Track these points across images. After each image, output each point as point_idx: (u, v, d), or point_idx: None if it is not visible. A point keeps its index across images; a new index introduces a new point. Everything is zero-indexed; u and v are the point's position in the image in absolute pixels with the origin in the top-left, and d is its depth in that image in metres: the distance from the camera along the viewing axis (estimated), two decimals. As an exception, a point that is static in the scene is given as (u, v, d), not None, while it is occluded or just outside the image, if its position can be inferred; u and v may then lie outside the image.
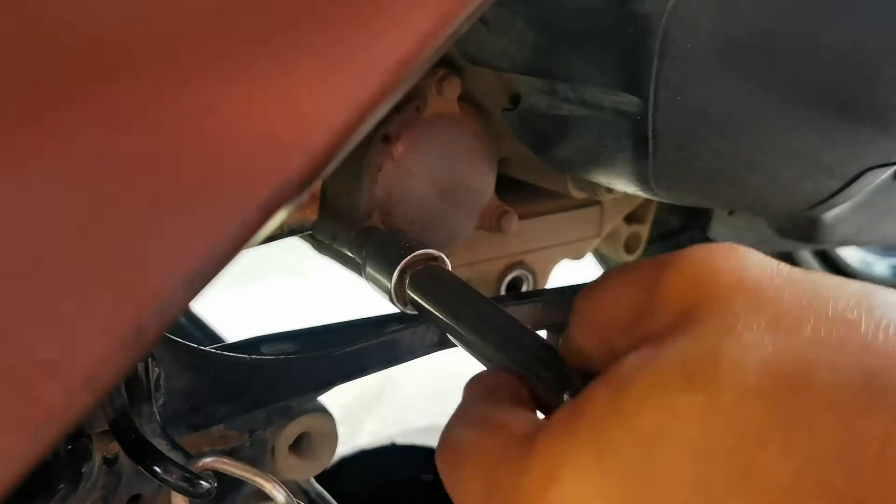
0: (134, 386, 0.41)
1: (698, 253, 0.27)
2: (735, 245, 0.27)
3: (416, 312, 0.46)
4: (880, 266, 1.39)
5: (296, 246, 0.69)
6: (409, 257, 0.46)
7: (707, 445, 0.23)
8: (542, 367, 0.34)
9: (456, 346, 0.44)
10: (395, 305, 0.47)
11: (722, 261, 0.27)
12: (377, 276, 0.48)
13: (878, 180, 0.54)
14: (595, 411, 0.25)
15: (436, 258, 0.47)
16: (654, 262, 0.29)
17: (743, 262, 0.27)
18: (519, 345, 0.36)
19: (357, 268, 0.70)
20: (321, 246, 0.67)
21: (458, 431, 0.31)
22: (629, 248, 0.82)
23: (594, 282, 0.31)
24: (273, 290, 2.07)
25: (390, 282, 0.46)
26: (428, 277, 0.45)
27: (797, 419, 0.22)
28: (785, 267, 0.27)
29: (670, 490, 0.23)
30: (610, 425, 0.24)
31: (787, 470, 0.22)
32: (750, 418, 0.23)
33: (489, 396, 0.32)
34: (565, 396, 0.31)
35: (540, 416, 0.32)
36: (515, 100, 0.55)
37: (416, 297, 0.45)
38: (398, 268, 0.46)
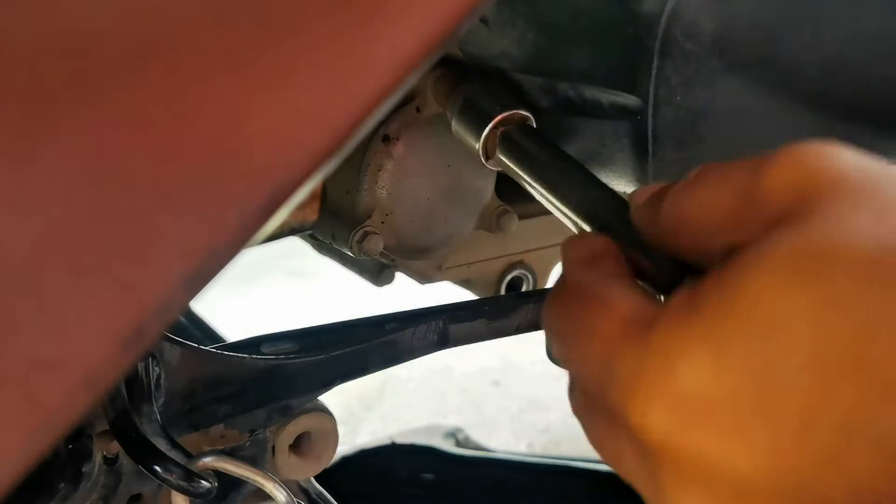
0: (134, 386, 0.41)
1: (796, 151, 0.27)
2: (830, 142, 0.27)
3: (500, 169, 0.45)
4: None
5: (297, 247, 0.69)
6: (502, 115, 0.46)
7: (819, 341, 0.23)
8: (639, 241, 0.33)
9: (454, 345, 0.44)
10: (482, 161, 0.47)
11: (821, 157, 0.27)
12: (465, 129, 0.48)
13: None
14: (711, 307, 0.25)
15: (525, 116, 0.47)
16: (750, 163, 0.28)
17: (841, 157, 0.27)
18: (618, 214, 0.35)
19: (357, 268, 0.70)
20: (321, 246, 0.67)
21: (565, 303, 0.31)
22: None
23: (683, 184, 0.31)
24: (275, 289, 2.07)
25: (479, 137, 0.46)
26: (519, 136, 0.45)
27: None
28: (881, 162, 0.27)
29: (784, 383, 0.24)
30: (727, 322, 0.25)
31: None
32: (862, 312, 0.23)
33: (592, 265, 0.32)
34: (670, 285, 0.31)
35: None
36: (515, 99, 0.55)
37: (506, 156, 0.44)
38: (490, 124, 0.46)
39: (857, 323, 0.23)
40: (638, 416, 0.26)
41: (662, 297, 0.32)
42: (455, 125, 0.50)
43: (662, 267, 0.32)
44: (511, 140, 0.45)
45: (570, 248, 0.34)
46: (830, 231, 0.25)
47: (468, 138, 0.48)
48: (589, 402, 0.30)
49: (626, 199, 0.34)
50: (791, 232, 0.25)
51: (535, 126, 0.47)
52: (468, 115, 0.48)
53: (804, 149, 0.27)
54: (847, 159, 0.27)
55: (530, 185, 0.42)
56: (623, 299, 0.29)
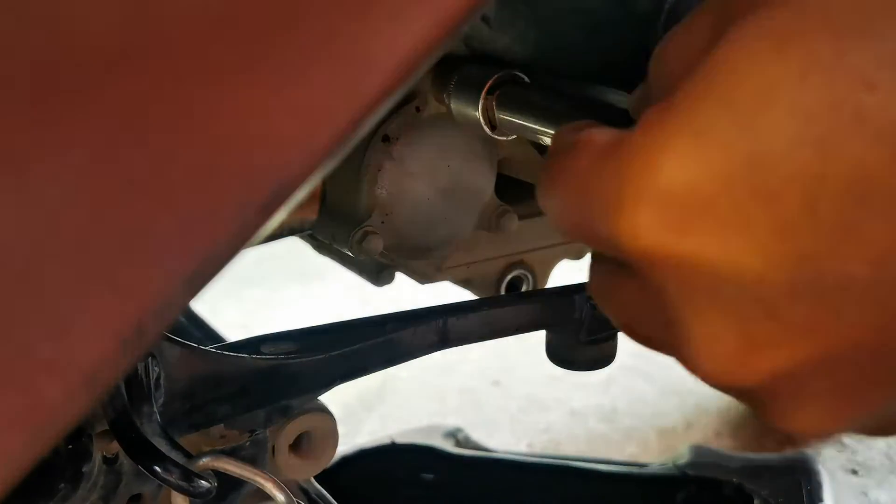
0: (134, 386, 0.41)
1: None
2: None
3: (509, 136, 0.46)
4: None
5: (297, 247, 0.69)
6: (493, 78, 0.46)
7: (811, 103, 0.21)
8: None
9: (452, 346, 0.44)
10: (489, 132, 0.47)
11: None
12: (462, 106, 0.48)
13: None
14: (686, 100, 0.23)
15: (517, 75, 0.47)
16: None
17: None
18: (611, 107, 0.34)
19: (357, 268, 0.70)
20: (321, 246, 0.67)
21: (550, 158, 0.29)
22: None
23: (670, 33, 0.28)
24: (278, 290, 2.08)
25: (477, 108, 0.47)
26: (516, 92, 0.45)
27: None
28: None
29: (778, 156, 0.22)
30: (705, 107, 0.23)
31: None
32: (852, 64, 0.21)
33: (574, 132, 0.30)
34: None
35: None
36: (515, 99, 0.55)
37: (508, 115, 0.45)
38: (484, 89, 0.46)
39: (848, 73, 0.21)
40: (627, 229, 0.24)
41: None
42: (454, 106, 0.49)
43: None
44: (508, 98, 0.45)
45: (556, 132, 0.32)
46: None
47: (469, 113, 0.48)
48: (595, 257, 0.29)
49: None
50: (766, 8, 0.23)
51: (527, 80, 0.47)
52: (463, 91, 0.48)
53: None
54: None
55: (539, 132, 0.41)
56: (598, 133, 0.27)
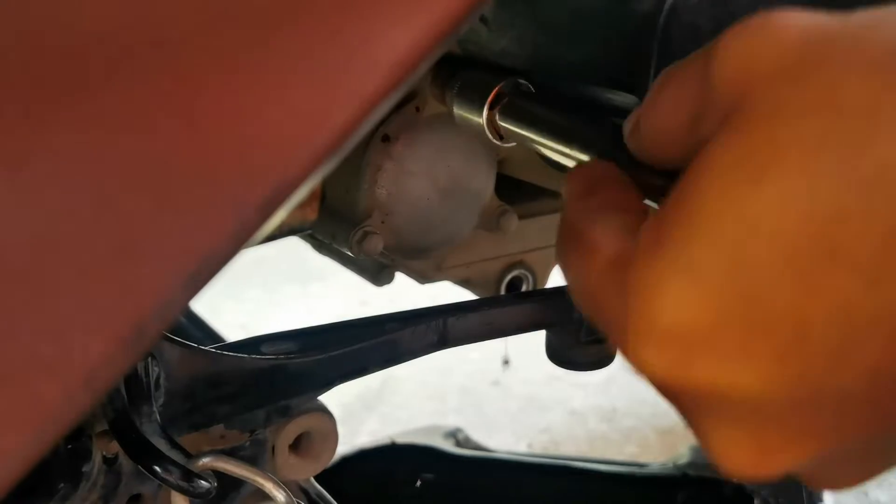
0: (134, 386, 0.41)
1: (742, 29, 0.26)
2: (783, 10, 0.25)
3: (513, 143, 0.46)
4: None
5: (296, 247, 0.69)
6: (498, 86, 0.46)
7: (791, 238, 0.22)
8: (635, 161, 0.32)
9: (454, 346, 0.44)
10: (495, 141, 0.47)
11: (766, 31, 0.25)
12: (466, 113, 0.48)
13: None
14: (674, 232, 0.24)
15: (522, 83, 0.47)
16: (702, 51, 0.27)
17: (787, 28, 0.25)
18: (616, 142, 0.34)
19: (357, 267, 0.70)
20: (321, 246, 0.67)
21: (563, 238, 0.31)
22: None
23: (649, 94, 0.30)
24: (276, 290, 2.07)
25: (482, 116, 0.46)
26: (521, 102, 0.45)
27: (871, 183, 0.21)
28: (836, 21, 0.24)
29: (766, 291, 0.23)
30: (692, 245, 0.24)
31: (873, 240, 0.21)
32: (825, 195, 0.22)
33: (587, 195, 0.31)
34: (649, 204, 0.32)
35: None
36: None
37: (513, 125, 0.45)
38: (488, 99, 0.46)
39: (819, 211, 0.22)
40: (637, 361, 0.25)
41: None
42: (457, 112, 0.49)
43: (656, 181, 0.31)
44: (513, 108, 0.45)
45: (569, 178, 0.33)
46: (773, 123, 0.23)
47: (472, 120, 0.48)
48: None
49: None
50: (737, 132, 0.24)
51: (532, 89, 0.47)
52: (466, 98, 0.48)
53: (750, 25, 0.25)
54: (792, 30, 0.24)
55: (543, 145, 0.42)
56: (607, 239, 0.28)
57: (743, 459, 0.25)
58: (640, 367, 0.25)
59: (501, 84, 0.46)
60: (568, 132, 0.39)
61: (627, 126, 0.32)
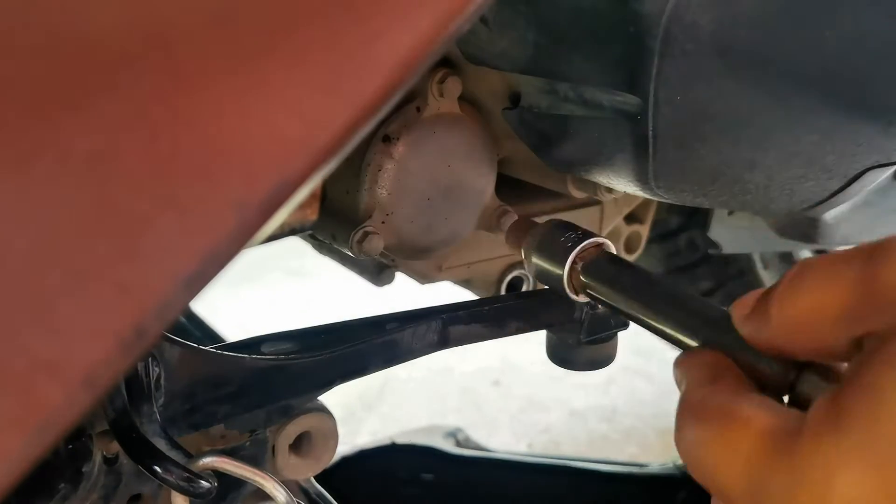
0: (134, 386, 0.41)
1: None
2: None
3: (591, 300, 0.46)
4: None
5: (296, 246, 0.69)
6: (580, 246, 0.46)
7: None
8: (749, 348, 0.33)
9: (456, 345, 0.44)
10: (568, 295, 0.47)
11: None
12: (546, 267, 0.48)
13: (878, 180, 0.54)
14: (858, 414, 0.26)
15: (601, 244, 0.47)
16: (859, 253, 0.29)
17: None
18: (722, 326, 0.35)
19: (357, 268, 0.70)
20: (321, 246, 0.67)
21: (699, 426, 0.31)
22: (629, 248, 0.82)
23: (786, 285, 0.31)
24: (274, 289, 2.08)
25: (563, 271, 0.46)
26: (602, 264, 0.45)
27: None
28: None
29: None
30: (877, 429, 0.25)
31: None
32: None
33: (714, 381, 0.32)
34: (799, 386, 0.32)
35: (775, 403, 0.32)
36: (515, 99, 0.55)
37: (592, 285, 0.45)
38: (570, 257, 0.46)
39: None
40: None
41: (787, 400, 0.33)
42: (536, 262, 0.49)
43: (777, 370, 0.33)
44: (595, 267, 0.46)
45: (688, 366, 0.34)
46: None
47: (552, 273, 0.48)
48: None
49: (727, 310, 0.35)
50: None
51: (613, 251, 0.47)
52: (547, 252, 0.48)
53: None
54: None
55: (622, 309, 0.42)
56: (759, 413, 0.29)
57: None
58: None
59: (586, 243, 0.46)
60: (665, 310, 0.39)
61: (741, 312, 0.33)
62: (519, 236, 0.52)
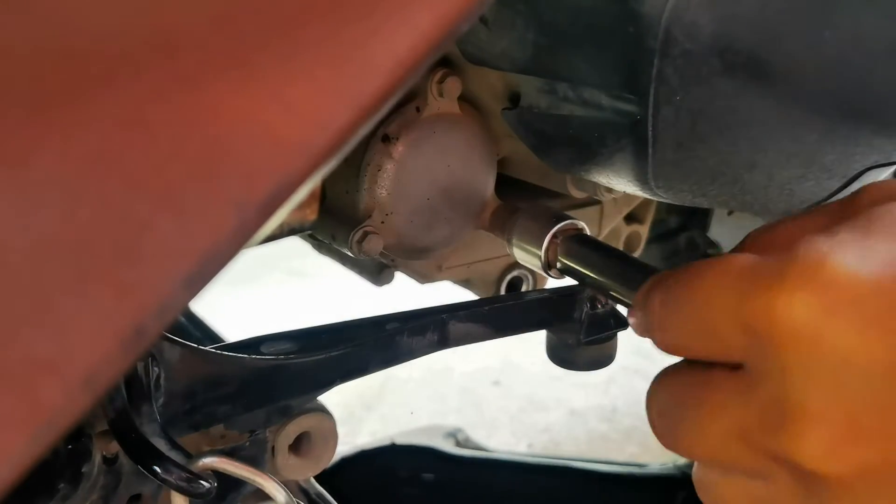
0: (134, 386, 0.41)
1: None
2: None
3: (565, 276, 0.52)
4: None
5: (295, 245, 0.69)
6: (557, 226, 0.53)
7: None
8: None
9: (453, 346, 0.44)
10: (545, 273, 0.54)
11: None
12: (525, 245, 0.55)
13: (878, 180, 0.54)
14: (857, 221, 0.29)
15: (582, 227, 0.53)
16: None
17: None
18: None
19: (357, 268, 0.70)
20: (321, 246, 0.67)
21: (680, 281, 0.34)
22: (629, 248, 0.82)
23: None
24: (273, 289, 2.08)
25: (540, 249, 0.53)
26: (579, 243, 0.52)
27: None
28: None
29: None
30: (871, 227, 0.28)
31: None
32: None
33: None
34: None
35: None
36: (515, 99, 0.55)
37: (569, 261, 0.52)
38: (548, 235, 0.53)
39: None
40: (783, 303, 0.27)
41: None
42: (515, 243, 0.56)
43: None
44: (571, 247, 0.52)
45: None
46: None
47: (530, 251, 0.55)
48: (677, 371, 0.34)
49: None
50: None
51: (588, 234, 0.54)
52: (526, 233, 0.55)
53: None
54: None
55: (593, 281, 0.49)
56: (737, 258, 0.31)
57: (828, 438, 0.27)
58: (785, 308, 0.27)
59: (563, 224, 0.53)
60: (627, 279, 0.45)
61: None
62: (503, 222, 0.59)
